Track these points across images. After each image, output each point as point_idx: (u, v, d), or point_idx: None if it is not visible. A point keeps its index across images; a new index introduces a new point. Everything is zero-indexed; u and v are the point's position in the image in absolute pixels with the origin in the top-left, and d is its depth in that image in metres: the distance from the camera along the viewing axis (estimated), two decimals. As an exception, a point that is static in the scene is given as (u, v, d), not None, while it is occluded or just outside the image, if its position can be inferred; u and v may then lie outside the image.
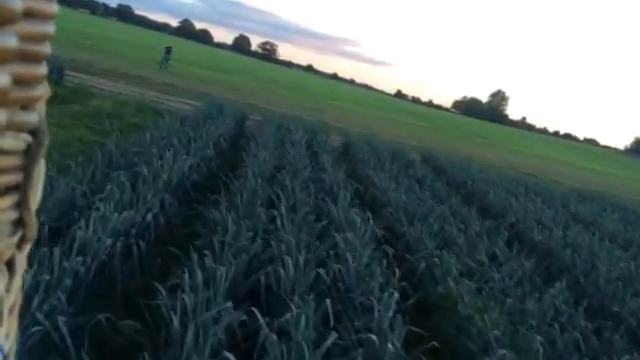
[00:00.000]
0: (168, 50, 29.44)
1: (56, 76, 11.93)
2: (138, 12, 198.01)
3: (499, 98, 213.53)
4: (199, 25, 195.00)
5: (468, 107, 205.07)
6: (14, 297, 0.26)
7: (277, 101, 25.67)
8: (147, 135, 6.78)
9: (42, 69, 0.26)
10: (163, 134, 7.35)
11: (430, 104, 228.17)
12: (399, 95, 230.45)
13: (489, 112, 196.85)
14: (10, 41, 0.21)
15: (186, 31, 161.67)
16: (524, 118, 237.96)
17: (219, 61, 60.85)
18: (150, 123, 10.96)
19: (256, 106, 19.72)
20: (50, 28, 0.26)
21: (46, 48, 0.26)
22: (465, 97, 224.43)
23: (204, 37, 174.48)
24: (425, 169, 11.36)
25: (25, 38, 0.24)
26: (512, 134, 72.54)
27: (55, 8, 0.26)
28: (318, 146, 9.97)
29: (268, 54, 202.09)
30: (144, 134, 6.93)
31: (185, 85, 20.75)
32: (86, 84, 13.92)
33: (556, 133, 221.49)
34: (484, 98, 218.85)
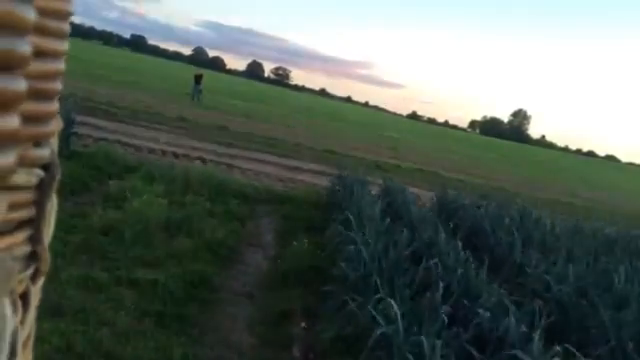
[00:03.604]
0: (198, 79, 24.34)
1: (60, 136, 6.47)
2: (151, 42, 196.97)
3: (520, 117, 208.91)
4: (211, 53, 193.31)
5: (488, 127, 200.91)
6: (28, 329, 0.27)
7: (347, 143, 20.21)
8: None
9: (54, 105, 0.27)
10: None
11: (446, 124, 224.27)
12: (414, 116, 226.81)
13: (510, 131, 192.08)
14: (20, 86, 0.21)
15: (199, 59, 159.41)
16: (543, 136, 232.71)
17: (245, 88, 56.03)
18: (250, 239, 5.38)
19: (348, 155, 14.20)
20: (61, 65, 0.27)
21: (57, 85, 0.27)
22: (485, 117, 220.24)
23: (217, 64, 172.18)
24: None
25: (36, 77, 0.24)
26: (570, 161, 66.71)
27: (66, 46, 0.27)
28: None
29: (281, 79, 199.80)
30: None
31: (237, 126, 15.33)
32: (110, 141, 8.49)
33: (579, 151, 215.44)
34: (500, 117, 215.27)
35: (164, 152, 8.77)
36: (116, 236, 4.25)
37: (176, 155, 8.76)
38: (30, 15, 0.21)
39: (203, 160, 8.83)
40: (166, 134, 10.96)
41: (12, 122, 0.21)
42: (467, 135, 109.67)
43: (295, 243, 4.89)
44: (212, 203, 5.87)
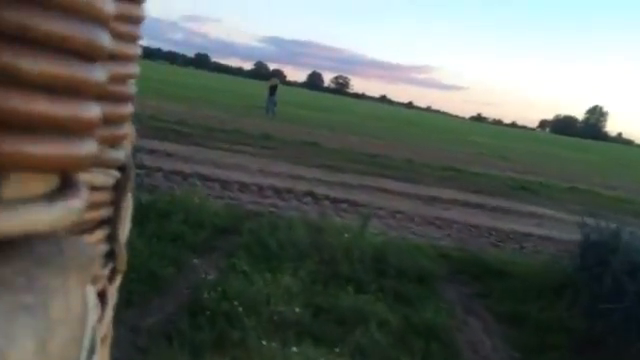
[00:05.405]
0: (272, 90, 21.96)
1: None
2: (214, 59, 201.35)
3: (597, 114, 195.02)
4: (272, 66, 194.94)
5: (561, 125, 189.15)
6: (106, 328, 0.27)
7: (448, 155, 17.19)
8: None
9: (128, 108, 0.28)
10: None
11: (514, 125, 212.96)
12: (479, 118, 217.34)
13: (585, 129, 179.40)
14: (100, 76, 0.22)
15: (260, 72, 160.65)
16: (620, 134, 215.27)
17: (309, 99, 54.05)
18: None
19: (471, 173, 11.19)
20: (135, 69, 0.28)
21: (132, 88, 0.28)
22: (558, 115, 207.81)
23: (278, 77, 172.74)
24: None
25: (112, 79, 0.25)
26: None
27: (139, 50, 0.28)
28: None
29: (341, 88, 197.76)
30: None
31: (327, 141, 12.70)
32: (186, 175, 6.04)
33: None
34: (574, 115, 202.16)
35: (260, 188, 6.19)
36: None
37: (278, 191, 6.15)
38: (110, 9, 0.21)
39: (315, 197, 6.18)
40: (253, 158, 8.45)
41: (94, 111, 0.21)
42: (544, 135, 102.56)
43: None
44: (384, 302, 3.12)
